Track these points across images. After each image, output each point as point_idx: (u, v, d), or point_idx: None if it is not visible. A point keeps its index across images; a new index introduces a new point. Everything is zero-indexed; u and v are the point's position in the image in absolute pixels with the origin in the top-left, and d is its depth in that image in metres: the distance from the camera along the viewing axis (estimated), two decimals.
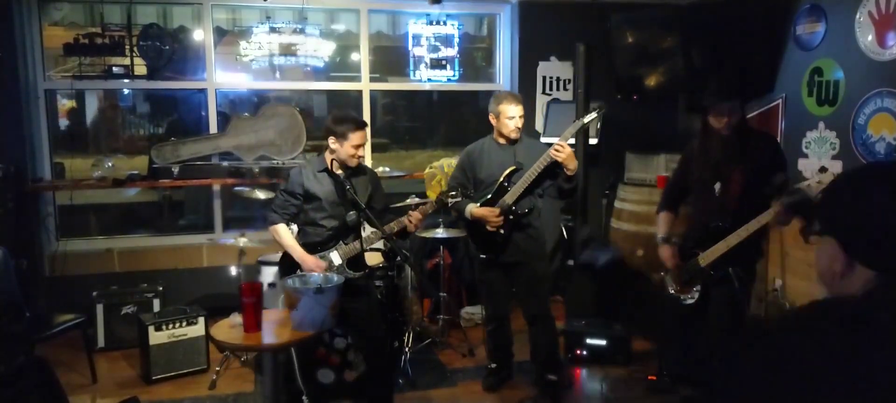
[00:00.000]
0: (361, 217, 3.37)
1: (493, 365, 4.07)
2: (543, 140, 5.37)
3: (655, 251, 3.56)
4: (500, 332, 4.01)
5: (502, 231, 3.65)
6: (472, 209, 3.68)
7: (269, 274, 4.39)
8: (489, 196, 3.68)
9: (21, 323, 3.94)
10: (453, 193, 3.56)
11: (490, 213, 3.61)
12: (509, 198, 3.62)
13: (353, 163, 3.41)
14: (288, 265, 3.47)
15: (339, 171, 3.42)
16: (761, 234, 3.28)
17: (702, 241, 3.30)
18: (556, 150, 3.45)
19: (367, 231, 3.48)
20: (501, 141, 3.73)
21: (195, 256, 5.31)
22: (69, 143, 5.57)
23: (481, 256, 3.83)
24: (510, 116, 3.64)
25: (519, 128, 3.67)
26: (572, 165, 3.50)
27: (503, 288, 3.93)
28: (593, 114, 3.62)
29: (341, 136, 3.36)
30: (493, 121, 3.73)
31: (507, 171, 3.65)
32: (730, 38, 4.78)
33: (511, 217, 3.64)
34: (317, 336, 3.13)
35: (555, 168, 3.56)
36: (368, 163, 5.57)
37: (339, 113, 3.50)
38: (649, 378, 4.05)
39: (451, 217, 4.99)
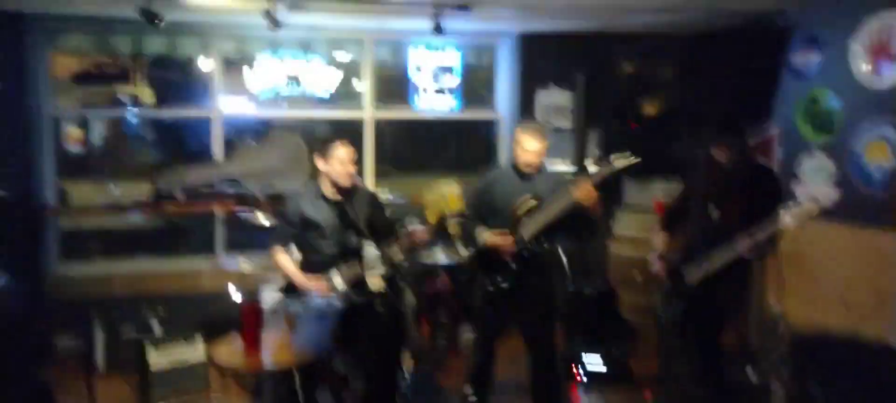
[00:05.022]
0: (362, 241, 3.39)
1: (474, 399, 3.94)
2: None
3: (653, 275, 3.60)
4: (486, 367, 3.90)
5: (514, 265, 3.55)
6: (486, 236, 3.57)
7: (269, 298, 4.40)
8: (504, 226, 3.56)
9: (22, 346, 3.95)
10: (455, 218, 3.53)
11: (503, 241, 3.51)
12: (525, 232, 3.51)
13: (345, 181, 3.39)
14: (292, 289, 3.48)
15: (339, 198, 3.42)
16: (750, 262, 3.30)
17: (690, 262, 3.35)
18: (585, 195, 3.30)
19: (368, 254, 3.49)
20: (519, 169, 3.63)
21: (196, 280, 5.33)
22: (74, 169, 5.62)
23: (489, 289, 3.66)
24: (525, 149, 3.52)
25: (530, 164, 3.54)
26: (597, 209, 3.40)
27: (499, 325, 3.84)
28: (631, 159, 3.39)
29: (328, 155, 3.37)
30: (513, 145, 3.64)
31: (525, 205, 3.55)
32: (727, 68, 4.86)
33: (525, 252, 3.53)
34: (317, 359, 3.14)
35: (576, 209, 3.40)
36: (370, 188, 5.62)
37: (321, 137, 3.53)
38: (645, 397, 4.04)
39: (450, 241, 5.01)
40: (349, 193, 3.47)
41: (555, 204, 3.43)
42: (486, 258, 3.64)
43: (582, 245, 3.88)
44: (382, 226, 3.60)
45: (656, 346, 4.11)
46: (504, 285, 3.58)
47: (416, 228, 3.44)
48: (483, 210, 3.70)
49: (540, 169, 3.62)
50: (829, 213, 4.22)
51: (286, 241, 3.49)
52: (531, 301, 3.63)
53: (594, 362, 4.39)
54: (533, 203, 3.53)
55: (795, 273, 4.60)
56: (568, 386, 4.35)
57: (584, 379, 4.38)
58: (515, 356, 4.61)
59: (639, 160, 3.39)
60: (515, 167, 3.65)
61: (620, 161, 3.38)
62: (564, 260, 5.37)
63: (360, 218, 3.41)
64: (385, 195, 5.69)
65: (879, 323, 3.90)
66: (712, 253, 3.22)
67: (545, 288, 3.67)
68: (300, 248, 3.57)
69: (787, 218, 2.98)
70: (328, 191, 3.45)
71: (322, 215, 3.44)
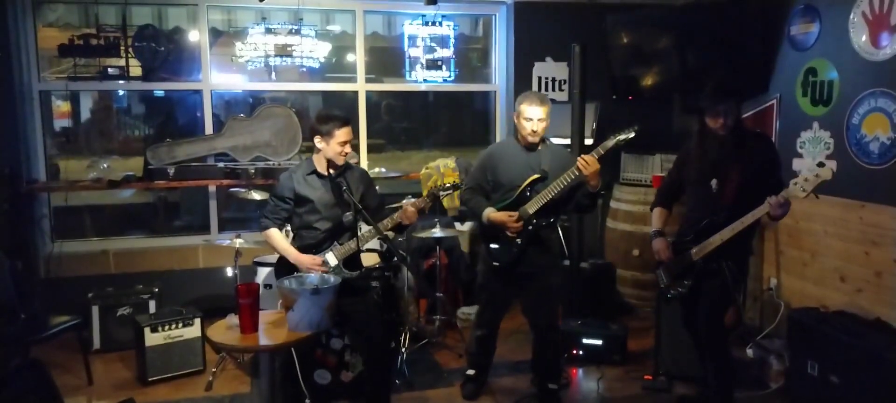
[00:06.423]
0: (357, 216, 3.36)
1: (472, 372, 3.96)
2: None
3: (651, 250, 3.58)
4: (488, 341, 3.89)
5: (520, 240, 3.50)
6: (490, 213, 3.51)
7: (265, 275, 4.38)
8: (509, 201, 3.51)
9: (16, 324, 3.93)
10: (446, 188, 3.47)
11: (509, 219, 3.45)
12: (531, 207, 3.45)
13: (340, 160, 3.37)
14: (284, 267, 3.46)
15: (330, 171, 3.39)
16: (752, 232, 3.31)
17: (695, 236, 3.32)
18: (584, 163, 3.24)
19: (362, 230, 3.47)
20: (523, 142, 3.57)
21: (191, 257, 5.31)
22: (64, 145, 5.55)
23: (494, 264, 3.60)
24: (528, 117, 3.44)
25: (535, 132, 3.46)
26: (595, 181, 3.31)
27: (504, 300, 3.81)
28: (631, 134, 3.34)
29: (327, 135, 3.32)
30: (514, 119, 3.57)
31: (531, 179, 3.47)
32: (724, 39, 4.80)
33: (530, 228, 3.48)
34: (314, 337, 3.13)
35: (580, 182, 3.37)
36: (364, 164, 5.58)
37: (322, 112, 3.46)
38: (645, 377, 4.07)
39: (447, 216, 4.99)
40: (342, 169, 3.44)
41: (560, 179, 3.38)
42: (491, 233, 3.59)
43: (581, 214, 3.84)
44: (374, 203, 3.58)
45: (655, 325, 4.12)
46: (509, 261, 3.54)
47: (407, 203, 3.41)
48: (486, 184, 3.64)
49: (543, 139, 3.58)
50: (825, 187, 4.24)
51: (279, 219, 3.46)
52: (534, 276, 3.60)
53: (592, 338, 4.39)
54: (537, 176, 3.48)
55: (792, 247, 4.61)
56: (565, 361, 4.37)
57: (581, 355, 4.38)
58: (511, 336, 4.65)
59: (637, 130, 3.36)
60: (518, 140, 3.60)
61: (623, 134, 3.35)
62: (561, 235, 5.38)
63: (353, 194, 3.37)
64: (378, 168, 5.68)
65: (876, 297, 3.92)
66: (718, 225, 3.20)
67: (547, 263, 3.63)
68: (293, 227, 3.54)
69: (797, 190, 2.95)
70: (321, 167, 3.41)
71: (315, 192, 3.41)
